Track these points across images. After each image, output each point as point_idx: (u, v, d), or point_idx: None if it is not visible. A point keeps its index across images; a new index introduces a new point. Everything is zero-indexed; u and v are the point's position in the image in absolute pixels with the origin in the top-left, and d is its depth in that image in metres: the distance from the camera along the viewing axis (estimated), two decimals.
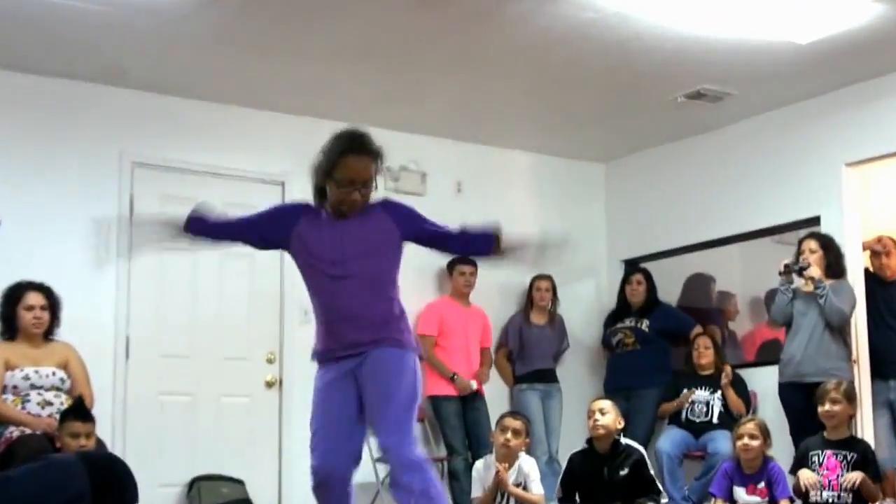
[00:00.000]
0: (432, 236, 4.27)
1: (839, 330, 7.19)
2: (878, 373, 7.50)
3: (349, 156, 4.11)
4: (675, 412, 8.06)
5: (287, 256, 8.08)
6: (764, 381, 7.87)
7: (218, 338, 7.86)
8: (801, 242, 7.38)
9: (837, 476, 5.91)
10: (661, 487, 6.30)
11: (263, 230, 4.33)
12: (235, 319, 7.95)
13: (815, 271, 7.16)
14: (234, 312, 7.96)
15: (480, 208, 9.03)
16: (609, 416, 6.11)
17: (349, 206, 4.10)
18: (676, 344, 8.56)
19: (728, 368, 7.92)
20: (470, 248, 4.39)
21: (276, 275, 8.09)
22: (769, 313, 7.63)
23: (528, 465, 6.27)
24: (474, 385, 8.31)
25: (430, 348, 8.33)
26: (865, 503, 5.91)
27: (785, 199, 8.16)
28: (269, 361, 7.99)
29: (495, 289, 8.93)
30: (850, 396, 6.13)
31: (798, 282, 7.32)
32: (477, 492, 6.27)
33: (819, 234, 7.45)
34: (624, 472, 6.06)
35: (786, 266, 7.29)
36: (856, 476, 5.84)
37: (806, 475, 5.95)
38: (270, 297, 8.08)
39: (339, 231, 4.16)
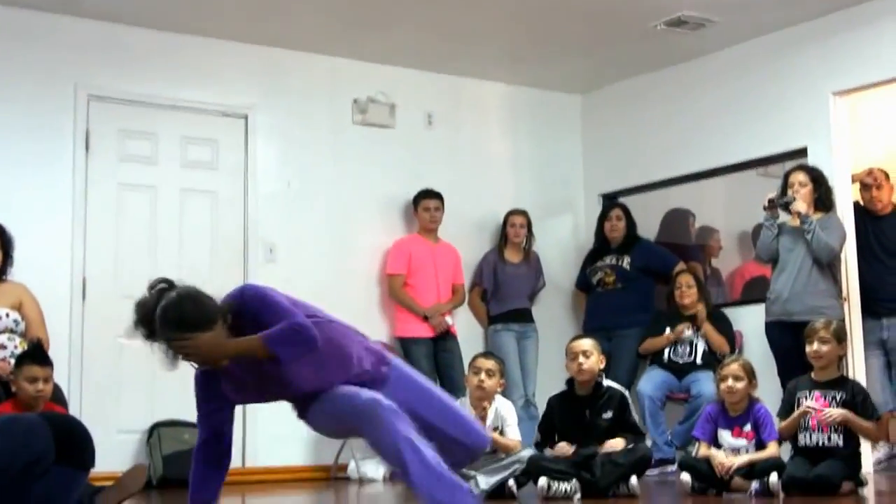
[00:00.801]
0: None
1: (828, 266, 7.09)
2: (869, 311, 7.41)
3: None
4: (657, 353, 7.97)
5: (252, 192, 8.03)
6: (750, 320, 7.78)
7: (178, 278, 7.65)
8: (787, 175, 7.24)
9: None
10: (644, 430, 6.20)
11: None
12: (197, 259, 7.81)
13: (801, 205, 7.04)
14: (196, 252, 7.82)
15: (452, 142, 8.94)
16: (593, 357, 5.98)
17: None
18: (658, 282, 8.46)
19: (701, 308, 7.80)
20: None
21: (239, 212, 7.98)
22: (755, 249, 7.52)
23: (504, 408, 6.15)
24: (450, 321, 8.23)
25: (399, 288, 8.21)
26: (857, 444, 5.83)
27: (770, 131, 8.03)
28: None
29: (468, 225, 8.83)
30: (840, 336, 6.02)
31: (784, 216, 7.20)
32: None
33: (807, 167, 7.32)
34: (607, 416, 5.95)
35: (770, 200, 7.17)
36: (836, 413, 5.74)
37: (789, 419, 5.88)
38: (233, 235, 7.96)
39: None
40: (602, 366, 6.07)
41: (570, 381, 6.11)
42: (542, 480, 5.70)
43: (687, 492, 5.85)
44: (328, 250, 8.24)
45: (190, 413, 7.43)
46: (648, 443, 6.32)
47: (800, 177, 7.17)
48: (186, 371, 7.69)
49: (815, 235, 6.96)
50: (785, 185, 7.21)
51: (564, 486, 5.71)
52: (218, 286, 7.84)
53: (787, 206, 7.10)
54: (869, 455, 7.06)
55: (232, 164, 8.01)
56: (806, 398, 5.89)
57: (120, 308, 7.38)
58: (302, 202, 8.20)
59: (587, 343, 6.05)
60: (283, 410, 8.00)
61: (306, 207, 8.21)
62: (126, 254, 7.58)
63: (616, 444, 5.86)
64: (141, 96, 7.70)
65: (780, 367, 7.02)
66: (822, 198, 7.16)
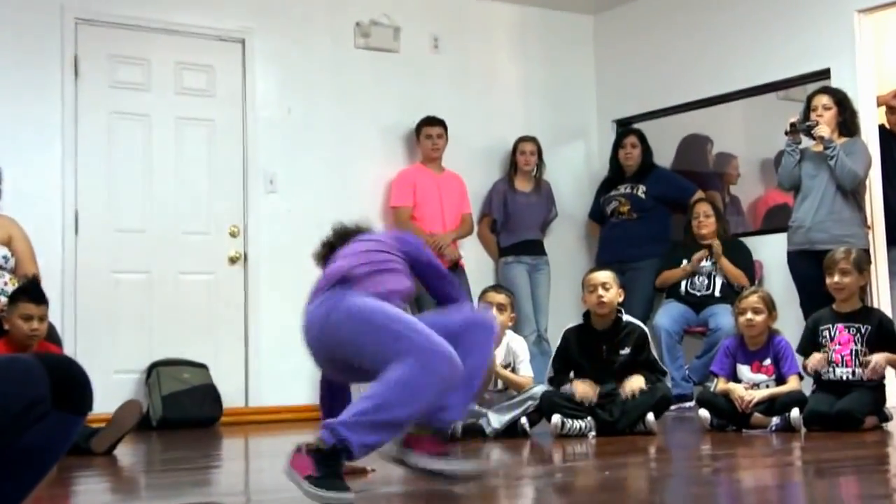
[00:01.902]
0: None
1: (852, 193, 7.03)
2: (894, 239, 7.36)
3: None
4: (674, 285, 7.94)
5: (251, 120, 7.95)
6: (772, 250, 7.74)
7: (175, 210, 7.70)
8: (810, 98, 7.15)
9: (851, 351, 5.81)
10: (664, 368, 6.18)
11: None
12: (194, 190, 7.77)
13: (824, 129, 6.97)
14: (193, 183, 7.78)
15: (459, 66, 8.85)
16: (612, 290, 5.92)
17: None
18: (675, 211, 8.41)
19: (716, 242, 7.75)
20: None
21: (237, 142, 7.92)
22: (778, 175, 7.46)
23: (517, 344, 6.15)
24: (457, 253, 8.23)
25: (406, 220, 8.17)
26: (881, 377, 5.81)
27: (791, 51, 7.93)
28: (233, 235, 7.84)
29: (477, 154, 8.77)
30: (861, 266, 5.98)
31: (807, 141, 7.13)
32: None
33: (831, 89, 7.24)
34: (625, 352, 5.91)
35: (792, 125, 7.09)
36: (881, 359, 5.73)
37: (815, 359, 5.85)
38: (232, 165, 7.90)
39: None
40: (621, 299, 6.03)
41: (587, 315, 6.07)
42: (556, 418, 5.71)
43: (705, 428, 5.86)
44: (330, 181, 8.19)
45: (190, 351, 7.53)
46: (668, 381, 6.30)
47: (823, 100, 7.09)
48: (184, 307, 7.73)
49: (838, 161, 6.90)
50: (808, 109, 7.13)
51: (579, 424, 5.72)
52: (217, 218, 7.93)
53: (809, 131, 7.03)
54: (895, 389, 7.06)
55: (229, 91, 7.94)
56: (829, 332, 5.88)
57: (114, 241, 7.47)
58: (302, 130, 8.14)
59: (606, 275, 5.99)
60: (284, 346, 8.08)
61: (307, 136, 8.15)
62: (119, 185, 7.54)
63: (635, 381, 5.83)
64: (132, 19, 7.62)
65: (803, 299, 7.00)
66: (847, 122, 7.09)
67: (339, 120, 8.28)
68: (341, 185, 8.24)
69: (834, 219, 6.98)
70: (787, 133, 7.13)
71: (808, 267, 6.84)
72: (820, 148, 7.04)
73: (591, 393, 5.83)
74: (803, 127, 7.05)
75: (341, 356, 3.71)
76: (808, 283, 6.90)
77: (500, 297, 6.12)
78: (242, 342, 7.80)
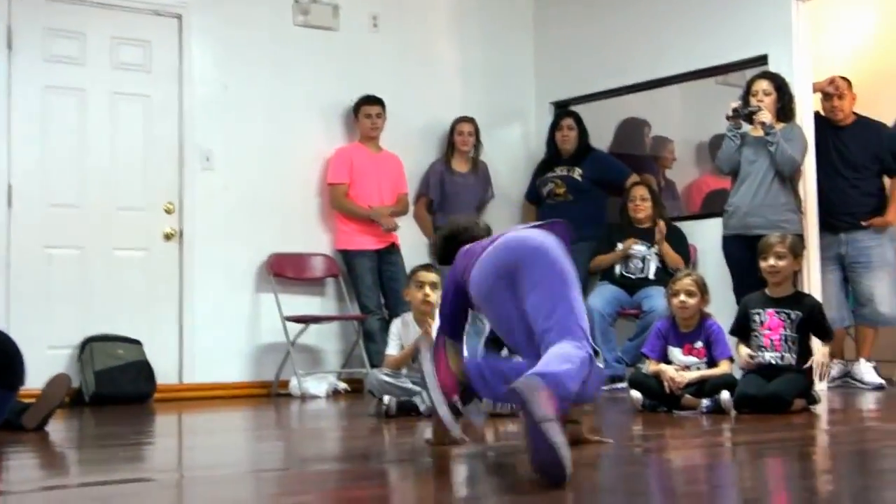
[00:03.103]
0: None
1: (789, 179, 7.14)
2: (827, 225, 7.49)
3: None
4: (608, 268, 8.02)
5: (187, 96, 7.89)
6: (707, 234, 7.84)
7: (110, 186, 7.65)
8: (750, 83, 7.24)
9: (781, 336, 5.90)
10: (597, 347, 6.23)
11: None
12: (129, 165, 7.72)
13: (766, 116, 7.06)
14: (128, 158, 7.72)
15: (398, 46, 8.85)
16: None
17: None
18: (611, 194, 8.48)
19: (661, 224, 7.84)
20: None
21: (174, 118, 7.87)
22: (715, 161, 7.54)
23: None
24: (394, 223, 8.22)
25: (342, 196, 8.19)
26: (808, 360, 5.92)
27: (730, 37, 8.00)
28: (168, 212, 7.80)
29: (414, 133, 8.78)
30: (796, 250, 6.05)
31: (746, 126, 7.22)
32: (393, 350, 6.17)
33: (772, 74, 7.32)
34: None
35: (734, 110, 7.16)
36: (819, 357, 5.86)
37: (743, 354, 5.95)
38: (168, 141, 7.86)
39: None
40: None
41: None
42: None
43: (637, 409, 5.92)
44: (267, 158, 8.17)
45: (124, 327, 7.49)
46: (600, 362, 6.35)
47: (763, 84, 7.18)
48: (119, 284, 7.69)
49: (779, 147, 6.99)
50: (747, 94, 7.21)
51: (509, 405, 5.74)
52: (152, 195, 7.88)
53: (751, 117, 7.10)
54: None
55: (165, 66, 7.89)
56: (760, 316, 5.95)
57: (48, 216, 7.41)
58: (240, 108, 8.10)
59: None
60: (220, 323, 8.06)
61: (244, 113, 8.11)
62: (53, 160, 7.46)
63: None
64: None
65: (736, 283, 7.10)
66: (785, 107, 7.19)
67: (277, 97, 8.25)
68: (278, 162, 8.22)
69: (770, 204, 7.08)
70: (728, 118, 7.20)
71: (743, 251, 6.94)
72: (759, 133, 7.12)
73: None
74: (745, 112, 7.12)
75: None
76: (741, 268, 7.01)
77: (433, 276, 6.14)
78: (177, 319, 7.77)
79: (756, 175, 7.12)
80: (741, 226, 7.13)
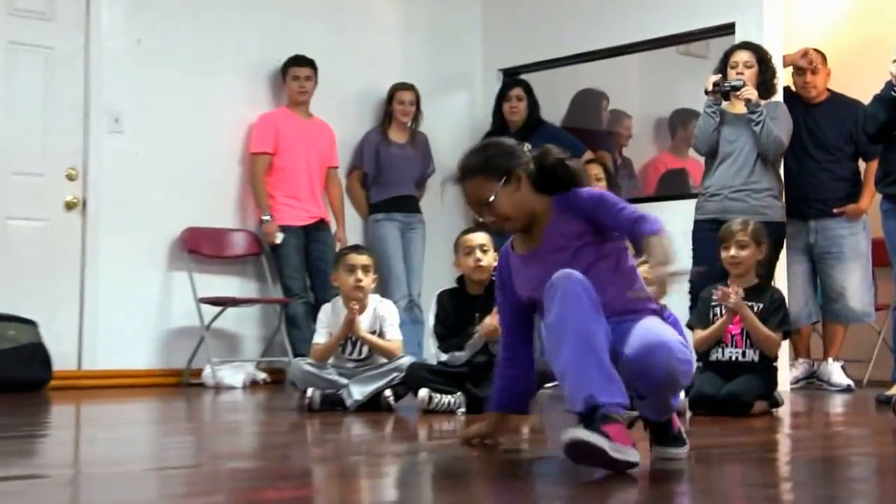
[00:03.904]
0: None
1: (772, 162, 7.12)
2: (795, 212, 7.53)
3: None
4: None
5: (95, 49, 7.81)
6: (664, 218, 7.83)
7: (3, 148, 7.57)
8: (728, 54, 7.19)
9: (742, 331, 5.93)
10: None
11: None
12: (26, 126, 7.65)
13: (751, 91, 7.00)
14: (25, 118, 7.65)
15: (333, 1, 8.80)
16: (490, 253, 6.00)
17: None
18: None
19: None
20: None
21: (79, 73, 7.82)
22: (694, 138, 7.39)
23: (384, 308, 6.21)
24: (279, 238, 8.12)
25: (260, 171, 8.19)
26: (773, 359, 5.96)
27: (694, 2, 8.05)
28: (70, 178, 7.75)
29: (348, 100, 8.78)
30: (759, 238, 6.08)
31: (725, 103, 7.15)
32: (321, 338, 6.16)
33: (752, 45, 7.26)
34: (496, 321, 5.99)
35: (715, 84, 7.08)
36: (734, 299, 5.84)
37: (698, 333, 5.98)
38: (72, 100, 7.80)
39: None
40: (494, 264, 6.09)
41: (461, 279, 6.13)
42: (423, 392, 5.75)
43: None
44: (184, 122, 8.11)
45: (17, 306, 7.41)
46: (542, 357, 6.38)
47: (744, 56, 7.13)
48: (12, 257, 7.60)
49: (764, 127, 6.96)
50: (725, 66, 7.15)
51: (447, 400, 5.76)
52: (52, 159, 7.79)
53: (733, 91, 7.03)
54: (786, 372, 7.24)
55: (70, 14, 7.81)
56: (721, 308, 5.97)
57: None
58: (154, 65, 8.03)
59: (482, 236, 6.06)
60: (126, 304, 7.99)
61: (159, 71, 8.04)
62: None
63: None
64: None
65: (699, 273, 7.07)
66: (767, 82, 7.15)
67: (197, 55, 8.20)
68: (197, 127, 8.17)
69: (753, 188, 7.05)
70: (707, 92, 7.13)
71: (716, 239, 6.72)
72: (740, 110, 7.09)
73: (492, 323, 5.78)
74: (727, 87, 7.04)
75: None
76: (710, 256, 6.89)
77: (365, 258, 6.14)
78: (78, 298, 7.71)
79: (737, 156, 7.09)
80: (720, 210, 7.05)
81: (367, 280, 6.08)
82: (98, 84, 7.82)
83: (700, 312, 6.12)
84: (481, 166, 3.97)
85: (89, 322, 7.69)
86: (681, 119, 8.30)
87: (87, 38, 7.83)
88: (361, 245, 7.26)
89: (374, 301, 6.22)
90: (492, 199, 3.90)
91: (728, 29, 7.77)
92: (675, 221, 7.38)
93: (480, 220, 4.12)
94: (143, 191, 7.90)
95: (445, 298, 6.16)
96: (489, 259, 5.98)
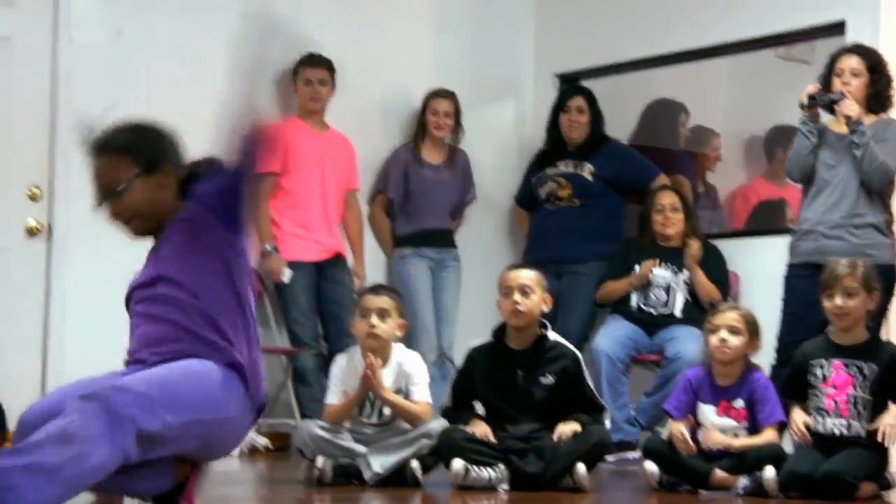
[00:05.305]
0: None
1: (877, 193, 7.09)
2: None
3: None
4: (622, 298, 8.14)
5: (64, 41, 7.86)
6: (755, 258, 7.91)
7: None
8: (835, 59, 7.17)
9: (848, 397, 5.90)
10: (603, 403, 6.32)
11: None
12: None
13: (852, 108, 6.96)
14: None
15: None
16: (534, 296, 6.04)
17: None
18: (630, 200, 8.59)
19: (695, 243, 7.91)
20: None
21: (44, 71, 7.88)
22: (787, 162, 7.40)
23: (411, 362, 6.23)
24: (286, 276, 8.19)
25: (265, 192, 8.16)
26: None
27: None
28: (32, 199, 7.80)
29: (372, 110, 8.88)
30: (870, 285, 6.01)
31: (827, 118, 7.17)
32: (334, 397, 6.20)
33: (864, 48, 7.21)
34: (546, 381, 6.02)
35: (811, 97, 7.07)
36: (892, 421, 5.83)
37: (797, 421, 5.97)
38: (36, 101, 7.86)
39: None
40: (546, 309, 6.15)
41: (500, 330, 6.20)
42: (458, 464, 5.79)
43: (652, 487, 5.98)
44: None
45: None
46: (608, 422, 6.45)
47: (852, 62, 7.08)
48: None
49: (867, 150, 6.93)
50: (829, 73, 7.14)
51: (488, 474, 5.82)
52: (10, 176, 7.82)
53: (831, 106, 7.03)
54: None
55: None
56: (822, 369, 5.96)
57: None
58: (136, 61, 8.05)
59: (528, 275, 6.10)
60: (99, 349, 8.04)
61: (143, 69, 8.06)
62: None
63: (566, 430, 5.95)
64: None
65: (788, 329, 7.05)
66: (880, 94, 7.10)
67: (188, 51, 8.24)
68: (188, 139, 8.16)
69: (854, 223, 7.04)
70: (803, 107, 7.12)
71: (813, 286, 6.51)
72: (843, 129, 7.06)
73: (486, 432, 5.95)
74: (824, 100, 7.03)
75: None
76: (805, 309, 6.82)
77: (383, 301, 6.19)
78: (40, 339, 7.76)
79: (837, 185, 7.09)
80: (815, 251, 7.06)
81: (385, 326, 6.13)
82: (67, 84, 7.86)
83: (795, 373, 6.12)
84: (127, 145, 4.17)
85: (54, 370, 7.67)
86: (779, 138, 8.24)
87: (55, 27, 7.87)
88: (383, 285, 7.24)
89: (398, 353, 6.26)
90: (123, 186, 4.07)
91: (837, 29, 7.83)
92: (769, 262, 7.46)
93: (98, 206, 4.25)
94: None
95: (478, 355, 6.23)
96: (531, 304, 6.03)
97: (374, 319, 6.11)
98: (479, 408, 6.21)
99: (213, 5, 8.34)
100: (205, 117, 8.25)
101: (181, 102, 8.12)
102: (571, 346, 6.23)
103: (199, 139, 8.24)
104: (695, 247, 7.90)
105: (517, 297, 6.03)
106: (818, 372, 5.99)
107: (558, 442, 5.89)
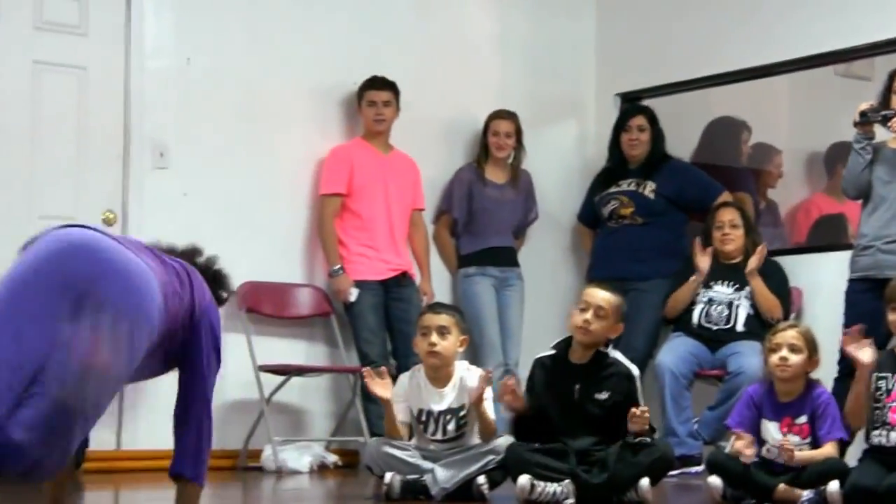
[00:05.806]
0: None
1: None
2: None
3: None
4: (684, 315, 8.13)
5: (137, 70, 7.90)
6: (817, 273, 7.87)
7: (30, 188, 7.69)
8: (892, 76, 7.20)
9: None
10: (651, 423, 6.25)
11: None
12: (55, 160, 7.75)
13: None
14: (54, 150, 7.76)
15: (415, 13, 8.87)
16: (607, 321, 6.00)
17: None
18: (693, 218, 8.58)
19: (761, 251, 7.90)
20: None
21: (118, 97, 7.93)
22: (843, 180, 7.44)
23: (473, 379, 6.20)
24: (353, 295, 8.24)
25: (330, 216, 8.26)
26: None
27: (855, 13, 8.09)
28: (108, 223, 7.82)
29: (435, 131, 8.90)
30: None
31: (884, 133, 7.16)
32: (400, 413, 6.22)
33: None
34: (601, 397, 6.01)
35: (863, 113, 7.10)
36: None
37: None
38: (109, 129, 7.90)
39: None
40: (613, 336, 6.15)
41: (565, 343, 6.21)
42: (524, 479, 5.80)
43: (716, 500, 5.96)
44: (240, 157, 8.20)
45: None
46: (657, 436, 6.42)
47: None
48: None
49: None
50: (888, 91, 7.16)
51: (554, 488, 5.82)
52: (86, 201, 7.85)
53: (886, 122, 7.03)
54: None
55: (108, 28, 7.92)
56: (887, 382, 5.93)
57: None
58: (206, 88, 8.11)
59: (608, 298, 6.07)
60: (171, 373, 8.06)
61: (212, 96, 8.13)
62: None
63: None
64: None
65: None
66: None
67: (255, 77, 8.29)
68: (256, 163, 8.25)
69: None
70: (857, 123, 7.14)
71: (873, 301, 6.68)
72: None
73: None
74: (878, 117, 7.05)
75: None
76: (866, 321, 6.85)
77: (443, 319, 6.23)
78: None
79: (893, 200, 7.11)
80: (873, 265, 7.09)
81: (446, 343, 6.16)
82: (140, 111, 7.91)
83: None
84: None
85: (128, 394, 7.65)
86: (839, 154, 8.17)
87: (128, 56, 7.94)
88: (441, 303, 7.29)
89: (461, 370, 6.29)
90: None
91: None
92: (831, 277, 7.43)
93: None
94: (192, 238, 7.83)
95: (540, 365, 6.24)
96: (601, 326, 6.03)
97: (435, 337, 6.16)
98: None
99: (287, 32, 8.39)
100: (277, 150, 8.36)
101: (252, 132, 8.20)
102: (630, 364, 6.17)
103: (273, 170, 8.33)
104: (753, 260, 7.88)
105: (589, 316, 6.02)
106: (882, 385, 5.94)
107: (635, 437, 5.88)
